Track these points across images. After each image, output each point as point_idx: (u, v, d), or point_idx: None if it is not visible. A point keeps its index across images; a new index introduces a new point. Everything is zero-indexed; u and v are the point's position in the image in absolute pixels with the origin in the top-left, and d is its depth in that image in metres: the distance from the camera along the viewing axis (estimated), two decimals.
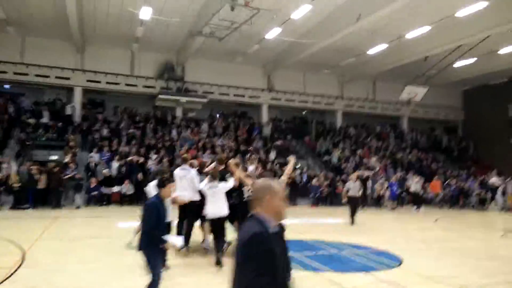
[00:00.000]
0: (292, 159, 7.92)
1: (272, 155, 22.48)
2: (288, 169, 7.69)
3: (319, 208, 19.15)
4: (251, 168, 20.48)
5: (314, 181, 19.96)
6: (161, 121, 23.29)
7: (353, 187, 13.80)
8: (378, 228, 13.29)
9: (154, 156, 19.25)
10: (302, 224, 12.99)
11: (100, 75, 23.04)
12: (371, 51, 21.78)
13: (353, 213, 13.48)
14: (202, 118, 25.03)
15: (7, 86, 23.17)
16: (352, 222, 13.39)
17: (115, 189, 17.36)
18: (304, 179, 21.02)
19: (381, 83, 29.56)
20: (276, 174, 20.36)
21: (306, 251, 8.72)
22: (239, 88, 25.98)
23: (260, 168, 19.75)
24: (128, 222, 11.09)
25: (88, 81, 22.87)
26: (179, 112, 24.75)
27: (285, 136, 25.89)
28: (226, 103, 26.49)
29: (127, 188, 17.29)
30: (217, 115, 26.22)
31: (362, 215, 15.10)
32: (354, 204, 13.68)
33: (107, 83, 23.19)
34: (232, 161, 8.35)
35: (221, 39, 19.15)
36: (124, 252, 8.01)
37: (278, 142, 24.32)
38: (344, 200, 13.92)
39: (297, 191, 20.54)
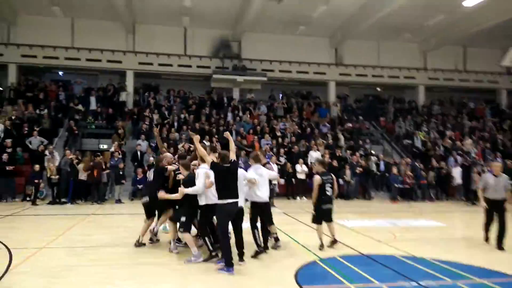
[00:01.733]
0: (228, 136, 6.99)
1: (341, 139, 19.31)
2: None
3: (401, 204, 15.76)
4: (316, 154, 17.79)
5: (394, 171, 16.54)
6: (217, 104, 21.17)
7: (494, 184, 8.10)
8: None
9: (206, 143, 17.13)
10: (390, 228, 9.98)
11: (152, 56, 21.48)
12: (468, 2, 17.39)
13: (488, 224, 8.30)
14: (261, 100, 22.46)
15: (61, 73, 22.58)
16: (487, 237, 8.36)
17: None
18: (382, 168, 17.64)
19: (474, 49, 24.66)
20: (346, 161, 17.42)
21: (426, 280, 5.81)
22: (303, 64, 22.96)
23: (328, 154, 16.85)
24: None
25: (140, 63, 21.43)
26: (236, 94, 22.48)
27: (356, 117, 22.45)
28: (288, 82, 23.67)
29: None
30: (278, 95, 23.48)
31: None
32: (498, 210, 8.05)
33: (160, 64, 21.60)
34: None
35: (280, 1, 16.29)
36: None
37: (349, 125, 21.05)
38: (483, 204, 8.21)
39: (373, 183, 17.31)
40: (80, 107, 18.83)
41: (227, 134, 7.09)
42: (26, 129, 16.33)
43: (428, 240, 8.70)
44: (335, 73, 23.60)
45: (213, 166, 6.18)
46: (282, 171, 15.49)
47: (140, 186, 14.45)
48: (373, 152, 18.90)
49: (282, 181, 15.38)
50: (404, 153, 20.26)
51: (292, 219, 11.38)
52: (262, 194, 7.11)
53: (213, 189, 6.27)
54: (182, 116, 19.41)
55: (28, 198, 13.90)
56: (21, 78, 20.58)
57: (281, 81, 23.36)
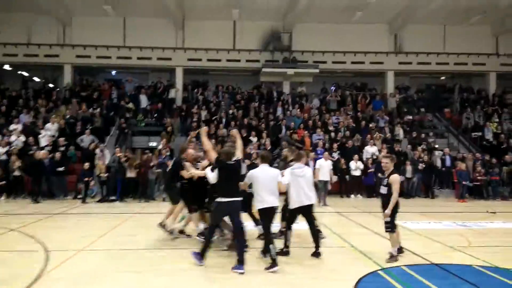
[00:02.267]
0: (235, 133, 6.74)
1: (400, 133, 17.76)
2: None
3: (470, 203, 14.04)
4: (372, 149, 16.47)
5: (462, 166, 14.79)
6: (266, 99, 20.41)
7: None
8: None
9: (254, 139, 16.48)
10: (462, 232, 8.65)
11: (201, 52, 21.18)
12: None
13: None
14: (313, 93, 21.36)
15: (113, 73, 23.00)
16: None
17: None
18: (448, 163, 15.91)
19: None
20: (406, 156, 15.93)
21: None
22: (358, 54, 21.52)
23: (386, 150, 15.47)
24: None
25: (189, 60, 21.23)
26: (286, 88, 21.58)
27: (417, 109, 20.64)
28: (342, 73, 22.34)
29: None
30: (331, 88, 22.24)
31: None
32: None
33: (208, 60, 21.25)
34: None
35: None
36: None
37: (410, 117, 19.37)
38: None
39: (437, 180, 15.67)
40: (130, 105, 18.93)
41: (235, 132, 6.83)
42: (79, 128, 16.61)
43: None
44: (394, 62, 21.89)
45: (217, 162, 6.11)
46: (335, 168, 14.43)
47: None
48: (436, 146, 17.17)
49: (335, 178, 14.36)
50: (473, 147, 18.27)
51: (347, 220, 10.35)
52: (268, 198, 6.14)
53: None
54: (231, 111, 18.89)
55: (79, 196, 14.03)
56: (76, 78, 21.19)
57: (334, 73, 22.11)
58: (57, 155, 14.47)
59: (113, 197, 13.72)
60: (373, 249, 6.90)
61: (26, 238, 7.96)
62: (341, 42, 21.32)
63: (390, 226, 6.33)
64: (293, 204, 6.52)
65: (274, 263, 5.79)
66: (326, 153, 13.85)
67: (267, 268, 5.80)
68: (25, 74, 22.27)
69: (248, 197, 6.81)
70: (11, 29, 20.07)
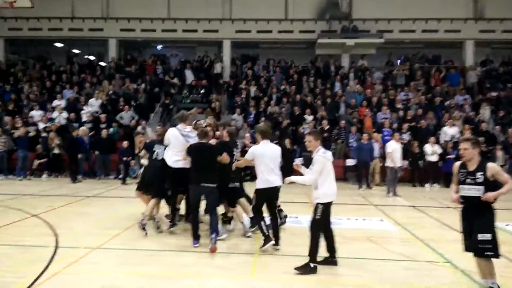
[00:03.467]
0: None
1: (486, 112, 14.97)
2: None
3: None
4: (452, 130, 13.94)
5: None
6: (322, 73, 18.24)
7: None
8: None
9: (309, 118, 14.55)
10: None
11: (250, 23, 19.36)
12: None
13: None
14: (376, 66, 18.84)
15: (159, 47, 21.84)
16: None
17: None
18: None
19: None
20: (495, 139, 13.26)
21: None
22: (430, 21, 18.67)
23: (469, 130, 12.91)
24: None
25: (237, 31, 19.50)
26: (345, 61, 19.25)
27: (503, 84, 17.50)
28: (411, 44, 19.56)
29: None
30: (397, 61, 19.58)
31: None
32: None
33: (258, 32, 19.38)
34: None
35: None
36: None
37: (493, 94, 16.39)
38: None
39: None
40: (175, 80, 17.65)
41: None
42: (122, 104, 15.58)
43: None
44: (473, 30, 18.76)
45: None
46: (405, 151, 12.23)
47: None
48: None
49: (405, 163, 12.22)
50: None
51: (427, 218, 8.25)
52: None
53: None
54: (282, 87, 17.01)
55: (119, 176, 13.00)
56: (121, 53, 20.28)
57: (401, 43, 19.44)
58: (104, 132, 13.52)
59: None
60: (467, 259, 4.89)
61: (43, 227, 6.77)
62: (410, 8, 18.57)
63: (493, 248, 4.01)
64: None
65: (268, 239, 5.54)
66: (397, 134, 11.63)
67: (262, 246, 5.54)
68: (75, 51, 21.69)
69: (232, 193, 6.39)
70: (56, 3, 19.41)
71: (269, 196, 5.70)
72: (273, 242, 5.57)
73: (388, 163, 10.81)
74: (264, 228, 5.58)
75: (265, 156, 5.55)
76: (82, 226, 6.94)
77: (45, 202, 8.98)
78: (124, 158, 12.62)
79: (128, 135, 13.76)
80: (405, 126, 13.94)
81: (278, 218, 6.01)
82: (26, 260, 5.14)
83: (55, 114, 15.02)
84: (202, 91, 17.41)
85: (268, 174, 5.54)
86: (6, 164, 13.18)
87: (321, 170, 4.84)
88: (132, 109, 15.54)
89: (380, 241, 6.34)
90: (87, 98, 16.05)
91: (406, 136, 13.62)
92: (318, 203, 4.87)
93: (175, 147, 6.29)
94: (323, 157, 4.88)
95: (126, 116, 14.80)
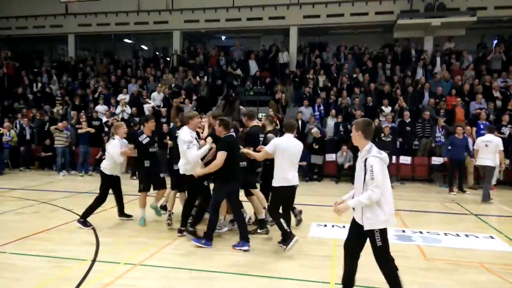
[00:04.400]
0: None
1: None
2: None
3: None
4: None
5: None
6: (401, 59, 16.17)
7: None
8: None
9: (387, 109, 12.79)
10: None
11: (319, 7, 17.80)
12: None
13: None
14: (465, 50, 16.30)
15: (223, 38, 21.08)
16: None
17: (329, 157, 12.05)
18: None
19: None
20: None
21: None
22: None
23: None
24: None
25: (305, 17, 18.03)
26: (428, 45, 16.93)
27: None
28: (509, 22, 16.69)
29: (345, 155, 11.66)
30: (493, 42, 16.86)
31: None
32: None
33: (328, 16, 17.75)
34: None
35: None
36: None
37: None
38: None
39: None
40: (238, 71, 16.71)
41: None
42: (183, 97, 14.96)
43: None
44: None
45: None
46: (506, 148, 10.13)
47: (301, 163, 11.13)
48: None
49: (506, 162, 10.18)
50: None
51: None
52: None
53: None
54: (354, 75, 15.31)
55: None
56: (185, 46, 19.83)
57: (497, 22, 16.66)
58: (165, 127, 12.94)
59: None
60: None
61: (86, 233, 6.05)
62: None
63: None
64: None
65: (290, 235, 5.14)
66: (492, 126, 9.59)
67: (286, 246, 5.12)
68: (141, 45, 21.75)
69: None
70: None
71: (286, 195, 5.40)
72: (297, 237, 5.12)
73: (488, 162, 8.90)
74: (284, 225, 5.18)
75: (288, 150, 5.21)
76: (128, 233, 6.13)
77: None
78: None
79: None
80: (505, 117, 11.68)
81: (290, 216, 5.65)
82: (55, 277, 4.37)
83: (118, 109, 14.83)
84: (267, 81, 16.31)
85: (287, 172, 5.21)
86: (69, 159, 13.12)
87: (382, 178, 3.39)
88: (193, 102, 14.87)
89: (499, 269, 4.73)
90: (151, 92, 15.71)
91: (507, 130, 11.44)
92: (375, 231, 3.48)
93: None
94: (380, 158, 3.43)
95: (187, 109, 14.12)
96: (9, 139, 13.27)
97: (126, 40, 21.44)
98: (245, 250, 5.25)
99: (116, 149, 6.39)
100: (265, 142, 5.80)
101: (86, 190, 9.77)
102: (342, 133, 12.21)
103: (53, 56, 21.71)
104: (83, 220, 6.35)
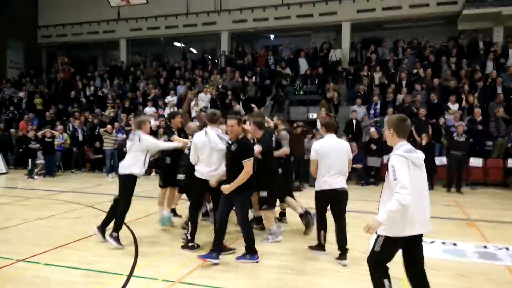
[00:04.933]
0: None
1: None
2: None
3: None
4: None
5: None
6: (467, 52, 14.69)
7: None
8: None
9: (453, 107, 11.51)
10: None
11: (373, 1, 16.74)
12: None
13: None
14: None
15: (272, 37, 20.49)
16: None
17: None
18: None
19: None
20: None
21: None
22: None
23: None
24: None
25: (358, 11, 17.04)
26: (498, 36, 15.31)
27: None
28: None
29: None
30: None
31: None
32: None
33: (384, 9, 16.62)
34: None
35: None
36: None
37: None
38: None
39: None
40: (287, 70, 16.01)
41: None
42: (230, 98, 14.54)
43: None
44: None
45: None
46: None
47: (356, 166, 10.21)
48: None
49: None
50: None
51: None
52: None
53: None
54: (415, 71, 14.09)
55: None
56: (233, 46, 19.49)
57: None
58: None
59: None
60: None
61: (126, 242, 5.61)
62: None
63: None
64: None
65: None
66: None
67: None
68: (189, 47, 21.73)
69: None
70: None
71: (329, 200, 4.91)
72: (326, 252, 4.99)
73: None
74: (322, 237, 5.02)
75: (330, 153, 4.80)
76: (169, 243, 5.64)
77: (142, 206, 8.06)
78: None
79: None
80: None
81: (344, 225, 4.89)
82: None
83: (166, 111, 14.68)
84: (317, 80, 15.48)
85: (328, 174, 4.78)
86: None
87: (407, 177, 2.92)
88: (240, 103, 14.39)
89: None
90: (198, 93, 15.46)
91: None
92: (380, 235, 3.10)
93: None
94: (405, 157, 3.01)
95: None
96: (62, 141, 13.51)
97: (175, 44, 21.55)
98: (256, 262, 4.76)
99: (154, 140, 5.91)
100: (278, 141, 6.00)
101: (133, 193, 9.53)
102: None
103: (106, 61, 22.26)
104: (117, 235, 5.49)
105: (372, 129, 10.97)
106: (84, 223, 6.64)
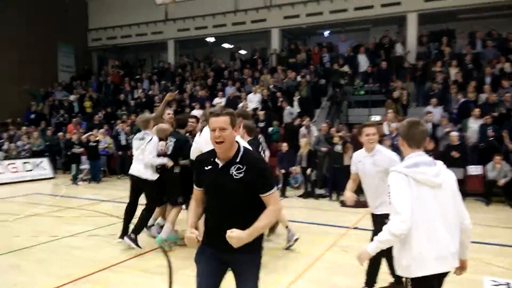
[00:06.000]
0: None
1: None
2: None
3: None
4: None
5: None
6: None
7: None
8: None
9: None
10: None
11: None
12: None
13: None
14: None
15: (326, 34, 18.98)
16: None
17: (473, 169, 9.20)
18: None
19: None
20: None
21: None
22: None
23: None
24: None
25: (426, 0, 15.14)
26: None
27: None
28: None
29: (499, 168, 8.71)
30: None
31: None
32: None
33: None
34: None
35: None
36: None
37: None
38: None
39: None
40: (345, 68, 14.49)
41: None
42: (281, 99, 13.30)
43: None
44: None
45: None
46: None
47: None
48: None
49: None
50: None
51: None
52: None
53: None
54: (499, 67, 12.05)
55: (278, 185, 10.62)
56: (284, 44, 18.24)
57: None
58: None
59: (321, 191, 9.70)
60: None
61: (161, 275, 4.52)
62: None
63: None
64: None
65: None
66: None
67: None
68: (238, 47, 20.77)
69: None
70: None
71: None
72: None
73: None
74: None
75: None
76: None
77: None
78: (284, 165, 10.10)
79: (290, 136, 11.30)
80: None
81: None
82: None
83: None
84: (379, 79, 13.83)
85: None
86: None
87: (403, 200, 2.35)
88: (293, 105, 13.12)
89: None
90: (247, 94, 14.39)
91: None
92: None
93: None
94: (405, 174, 2.42)
95: (286, 112, 12.41)
96: (105, 145, 12.93)
97: (223, 45, 20.72)
98: None
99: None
100: None
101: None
102: (492, 138, 9.26)
103: (154, 63, 21.87)
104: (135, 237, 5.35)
105: (454, 133, 9.22)
106: (114, 246, 5.63)
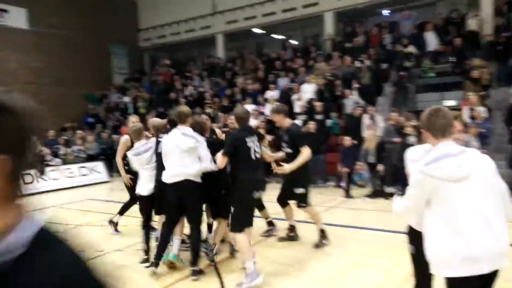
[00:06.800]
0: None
1: None
2: None
3: None
4: None
5: None
6: None
7: None
8: None
9: None
10: None
11: None
12: None
13: None
14: None
15: (386, 13, 17.33)
16: None
17: None
18: None
19: None
20: None
21: None
22: None
23: None
24: None
25: None
26: None
27: None
28: None
29: None
30: None
31: None
32: None
33: None
34: None
35: None
36: None
37: None
38: None
39: None
40: (411, 49, 12.99)
41: None
42: (340, 87, 12.18)
43: None
44: None
45: None
46: None
47: None
48: None
49: None
50: None
51: None
52: None
53: None
54: None
55: (341, 183, 9.61)
56: (339, 28, 16.93)
57: None
58: (310, 125, 10.40)
59: (391, 190, 8.57)
60: None
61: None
62: None
63: None
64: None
65: None
66: None
67: None
68: (290, 36, 19.76)
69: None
70: None
71: None
72: None
73: None
74: None
75: None
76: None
77: None
78: (349, 160, 9.06)
79: (353, 128, 10.21)
80: None
81: None
82: None
83: (267, 108, 12.91)
84: (452, 58, 12.20)
85: None
86: None
87: (420, 197, 2.28)
88: (355, 93, 11.95)
89: None
90: (301, 85, 13.40)
91: None
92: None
93: None
94: (421, 172, 2.23)
95: (349, 102, 11.29)
96: None
97: (273, 36, 19.81)
98: None
99: None
100: None
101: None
102: None
103: (204, 59, 21.53)
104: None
105: None
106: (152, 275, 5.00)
